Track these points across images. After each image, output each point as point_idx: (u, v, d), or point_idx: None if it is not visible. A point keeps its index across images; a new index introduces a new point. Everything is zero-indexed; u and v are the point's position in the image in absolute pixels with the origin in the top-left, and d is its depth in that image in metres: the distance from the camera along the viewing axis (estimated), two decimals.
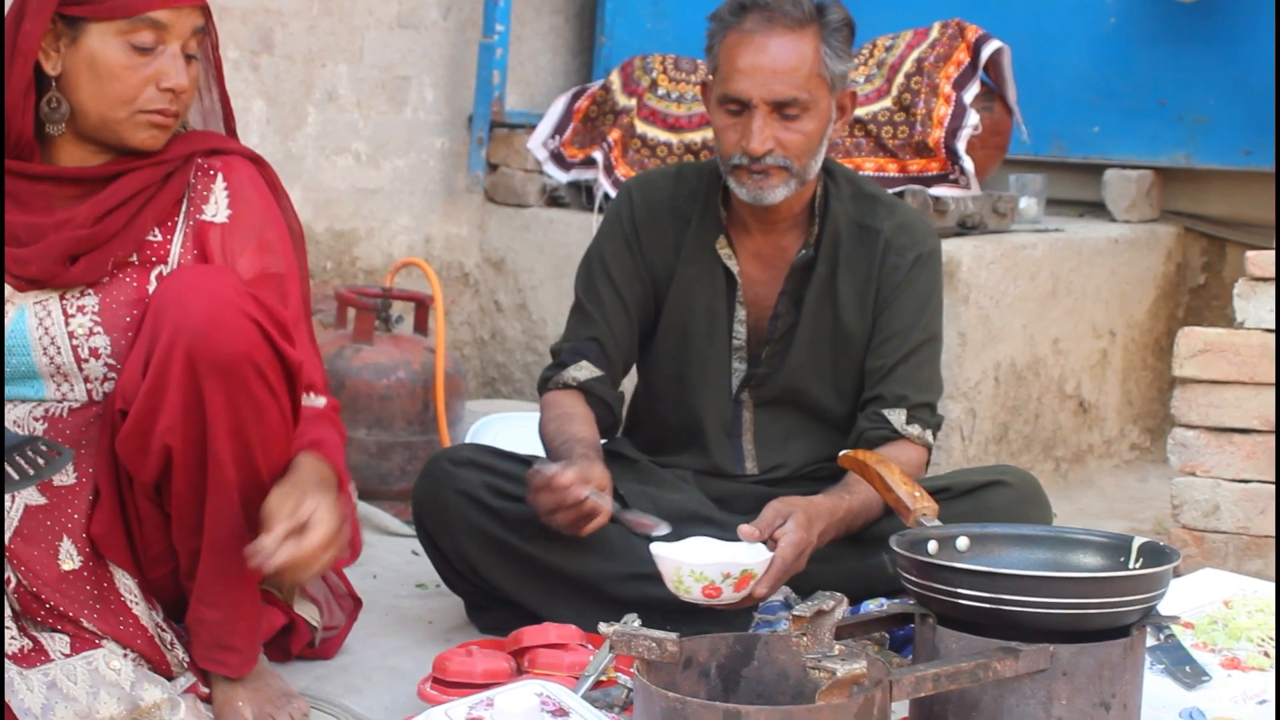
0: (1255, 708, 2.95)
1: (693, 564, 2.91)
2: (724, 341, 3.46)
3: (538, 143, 5.33)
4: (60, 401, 2.88)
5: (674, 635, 2.40)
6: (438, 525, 3.33)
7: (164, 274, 2.87)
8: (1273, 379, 3.98)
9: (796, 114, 3.27)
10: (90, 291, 2.86)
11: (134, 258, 2.88)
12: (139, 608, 2.84)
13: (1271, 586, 3.50)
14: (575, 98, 5.41)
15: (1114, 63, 5.62)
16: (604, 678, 2.84)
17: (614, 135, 5.14)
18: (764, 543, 3.02)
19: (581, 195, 5.28)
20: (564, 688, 2.68)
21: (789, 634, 2.45)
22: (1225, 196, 5.60)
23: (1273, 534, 3.99)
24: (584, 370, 3.43)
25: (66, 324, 2.84)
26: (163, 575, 2.87)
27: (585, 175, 5.23)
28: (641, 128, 5.11)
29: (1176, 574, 3.89)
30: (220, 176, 2.94)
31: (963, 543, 2.76)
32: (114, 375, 2.85)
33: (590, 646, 2.97)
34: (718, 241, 3.44)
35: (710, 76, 3.38)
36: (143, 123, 2.84)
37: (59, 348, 2.84)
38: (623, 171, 5.06)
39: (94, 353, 2.85)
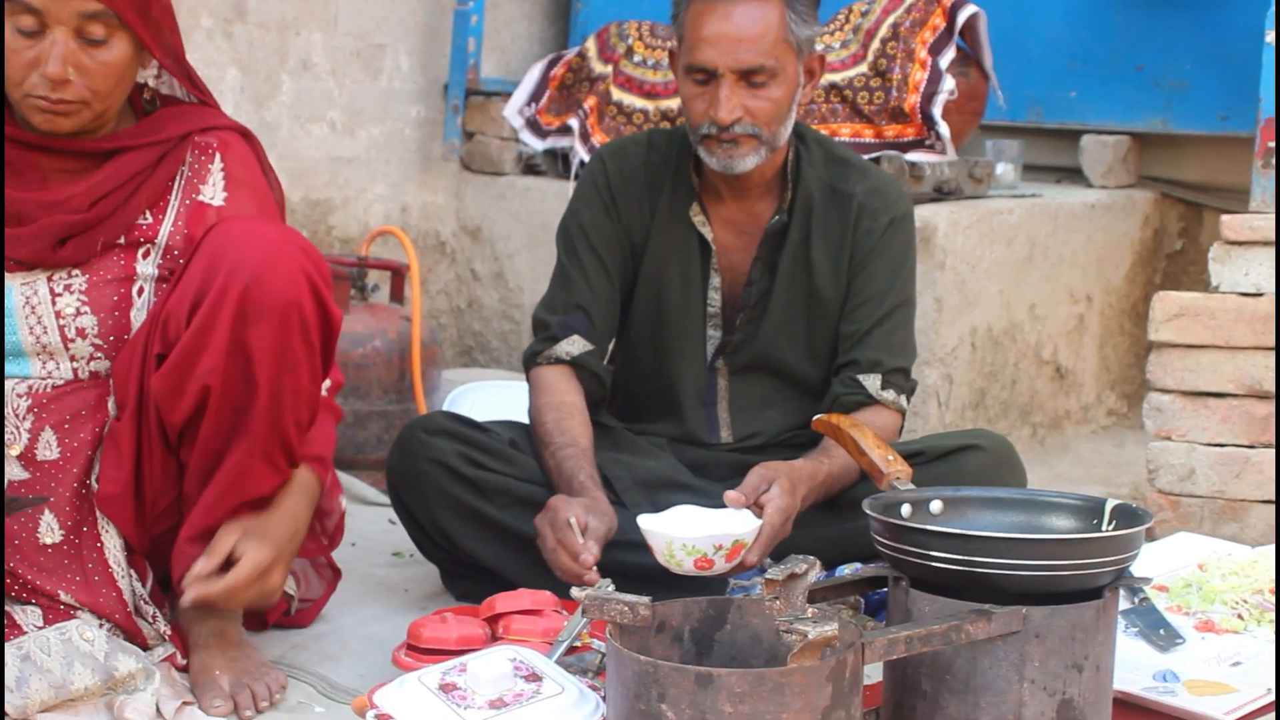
0: (1229, 670, 2.96)
1: (684, 537, 2.90)
2: (699, 309, 3.45)
3: (514, 110, 5.32)
4: (45, 379, 2.87)
5: (646, 599, 2.40)
6: (412, 494, 3.32)
7: (150, 253, 2.86)
8: (1248, 343, 3.99)
9: (764, 81, 3.25)
10: (77, 271, 2.84)
11: (121, 239, 2.87)
12: (124, 580, 2.84)
13: (1246, 549, 3.51)
14: (551, 65, 5.39)
15: (1091, 28, 5.61)
16: (578, 643, 2.84)
17: (590, 102, 5.12)
18: (750, 509, 3.02)
19: (558, 163, 5.26)
20: (537, 653, 2.68)
21: (762, 597, 2.45)
22: (1202, 161, 5.60)
23: (1248, 498, 4.00)
24: (576, 345, 3.40)
25: (54, 303, 2.83)
26: (165, 531, 2.86)
27: (561, 143, 5.22)
28: (618, 94, 5.09)
29: (1151, 537, 3.92)
30: (218, 156, 2.91)
31: (936, 506, 2.76)
32: (100, 355, 2.85)
33: (565, 612, 2.97)
34: (691, 209, 3.43)
35: (676, 45, 3.36)
36: (33, 107, 2.78)
37: (45, 327, 2.83)
38: (599, 139, 5.04)
39: (80, 332, 2.84)
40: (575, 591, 2.45)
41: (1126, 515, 2.67)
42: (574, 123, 5.14)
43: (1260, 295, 3.98)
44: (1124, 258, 5.48)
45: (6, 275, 2.82)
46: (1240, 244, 4.01)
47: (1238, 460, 4.01)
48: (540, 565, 3.18)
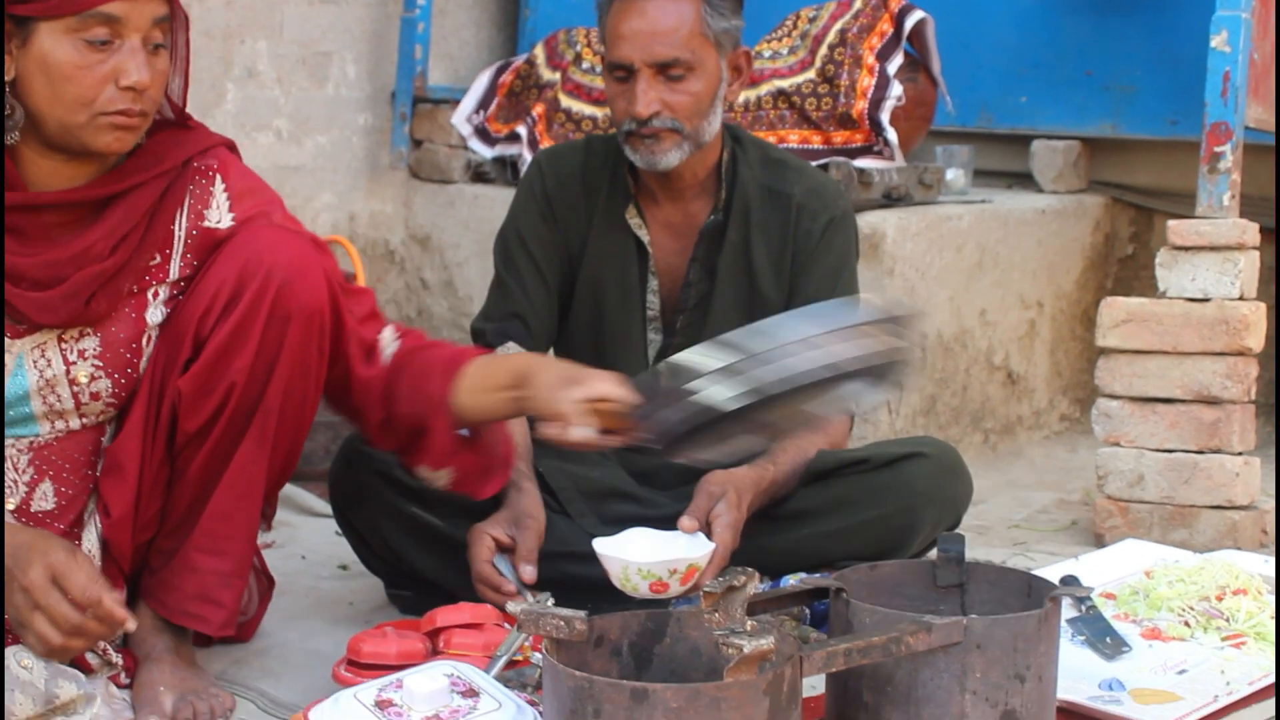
0: (1175, 678, 2.95)
1: (640, 563, 2.89)
2: (638, 312, 3.44)
3: (462, 118, 5.29)
4: (50, 435, 2.82)
5: (582, 614, 2.38)
6: (354, 506, 3.30)
7: (159, 293, 2.81)
8: (1195, 348, 3.99)
9: (681, 74, 3.26)
10: (89, 331, 2.76)
11: (135, 286, 2.80)
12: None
13: (1193, 556, 3.51)
14: (500, 72, 5.37)
15: (1040, 33, 5.61)
16: (518, 657, 2.82)
17: (538, 109, 5.10)
18: (702, 530, 3.02)
19: (507, 170, 5.24)
20: (475, 668, 2.66)
21: (701, 610, 2.43)
22: (1152, 166, 5.61)
23: (1197, 503, 4.01)
24: (511, 351, 3.40)
25: (68, 371, 2.76)
26: (144, 543, 2.85)
27: (510, 150, 5.20)
28: (566, 101, 5.07)
29: (1100, 544, 3.92)
30: (218, 178, 2.84)
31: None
32: (110, 409, 2.81)
33: (507, 626, 2.94)
34: (627, 211, 3.42)
35: (603, 48, 3.37)
36: (104, 125, 2.64)
37: (59, 396, 2.77)
38: (547, 146, 5.02)
39: (95, 396, 2.79)
40: (511, 606, 2.42)
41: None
42: (522, 130, 5.11)
43: (1207, 300, 3.98)
44: (1075, 263, 5.48)
45: (17, 343, 2.73)
46: (1187, 249, 4.01)
47: (1186, 466, 4.01)
48: None
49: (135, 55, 2.62)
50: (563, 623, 2.35)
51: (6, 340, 2.72)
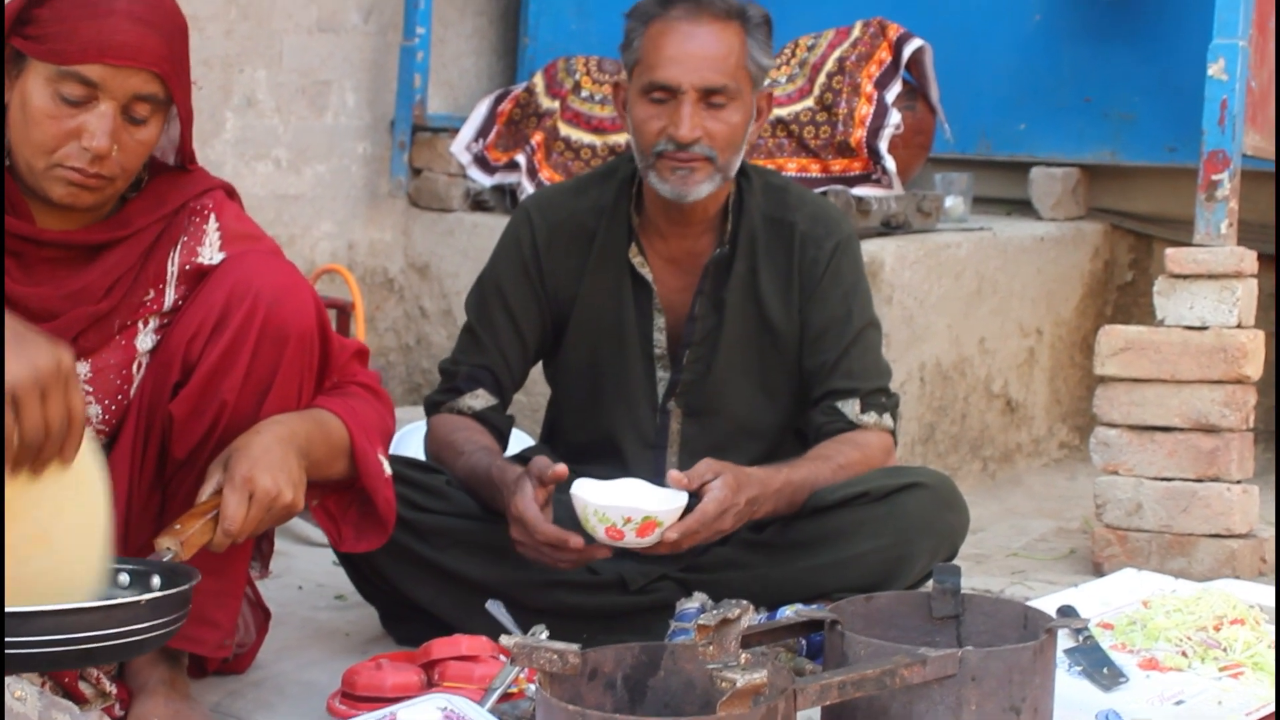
0: (1172, 709, 2.94)
1: (597, 504, 2.96)
2: (641, 350, 3.42)
3: (461, 146, 5.30)
4: None
5: (575, 647, 2.37)
6: None
7: (150, 322, 2.81)
8: (1193, 376, 3.99)
9: (723, 103, 3.24)
10: (82, 359, 2.77)
11: (126, 322, 2.81)
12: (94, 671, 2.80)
13: (1191, 585, 3.49)
14: (499, 100, 5.38)
15: (1039, 60, 5.62)
16: (512, 690, 2.81)
17: (537, 138, 5.11)
18: (693, 494, 3.04)
19: (506, 199, 5.24)
20: (469, 701, 2.66)
21: (695, 643, 2.42)
22: (1151, 193, 5.61)
23: (1195, 532, 4.00)
24: (480, 399, 3.40)
25: None
26: None
27: (509, 179, 5.20)
28: (565, 130, 5.08)
29: (1100, 573, 3.91)
30: (212, 217, 2.86)
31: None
32: (102, 435, 2.80)
33: (502, 658, 2.94)
34: (630, 249, 3.40)
35: (623, 75, 3.35)
36: (59, 178, 2.66)
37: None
38: (546, 175, 5.03)
39: (85, 421, 2.78)
40: (505, 639, 2.42)
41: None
42: (521, 158, 5.12)
43: (1205, 329, 3.98)
44: (1074, 290, 5.48)
45: None
46: (1185, 277, 4.01)
47: (1185, 494, 4.00)
48: (479, 609, 3.15)
49: (104, 121, 2.63)
50: (556, 656, 2.34)
51: None
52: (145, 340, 2.82)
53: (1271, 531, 4.09)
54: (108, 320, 2.77)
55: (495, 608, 3.08)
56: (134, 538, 2.81)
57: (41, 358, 2.39)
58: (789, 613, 3.10)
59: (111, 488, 2.76)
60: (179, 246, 2.83)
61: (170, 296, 2.83)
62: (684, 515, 2.99)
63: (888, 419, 3.37)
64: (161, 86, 2.68)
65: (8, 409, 2.37)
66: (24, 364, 2.37)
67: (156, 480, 2.82)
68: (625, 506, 2.96)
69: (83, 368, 2.77)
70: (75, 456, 2.44)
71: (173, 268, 2.83)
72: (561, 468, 3.07)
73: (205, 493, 2.65)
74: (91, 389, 2.78)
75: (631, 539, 2.95)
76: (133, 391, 2.82)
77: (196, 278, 2.83)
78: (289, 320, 2.75)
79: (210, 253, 2.84)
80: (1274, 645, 3.14)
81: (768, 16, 3.35)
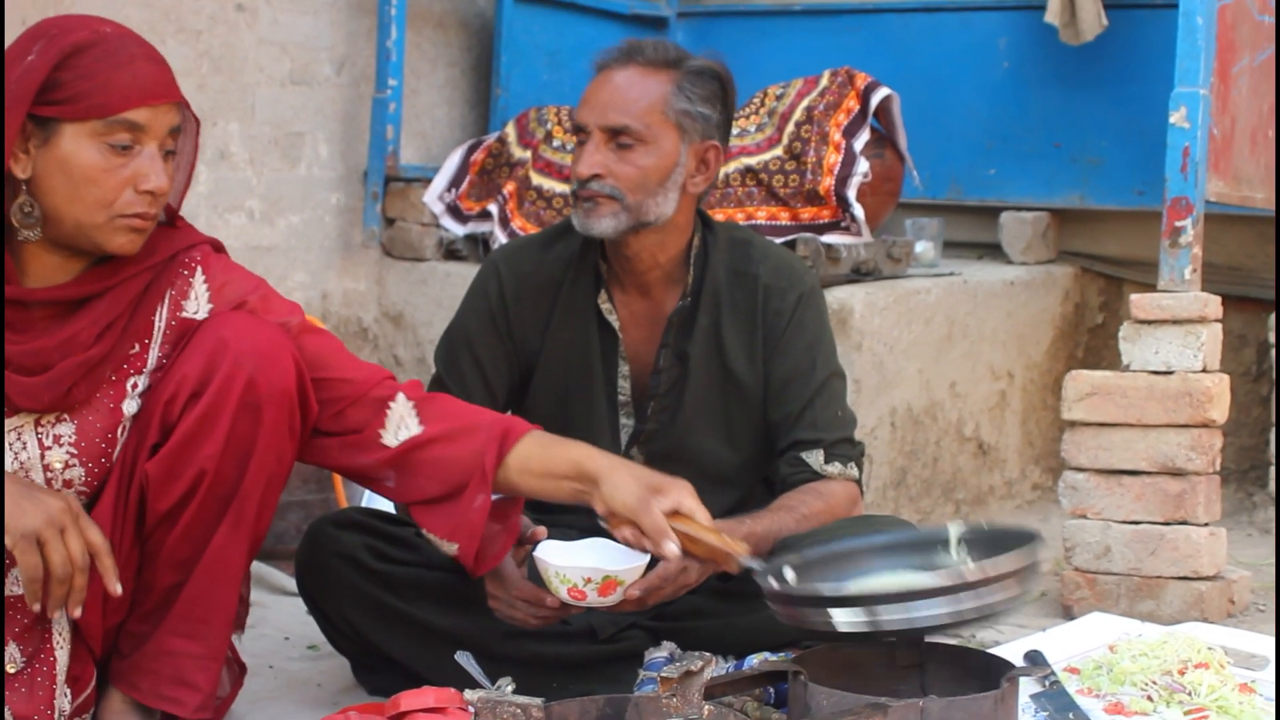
0: None
1: (558, 565, 2.97)
2: (606, 396, 3.45)
3: (434, 196, 5.33)
4: None
5: (539, 701, 2.39)
6: (320, 588, 3.30)
7: (138, 384, 2.83)
8: (1160, 420, 4.02)
9: (630, 143, 3.27)
10: (66, 417, 2.79)
11: (113, 375, 2.83)
12: (61, 698, 2.82)
13: (1157, 629, 3.53)
14: (471, 150, 5.41)
15: (1008, 107, 5.68)
16: None
17: (509, 187, 5.14)
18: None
19: (479, 248, 5.27)
20: None
21: (658, 695, 2.44)
22: (1120, 236, 5.66)
23: (1163, 574, 4.02)
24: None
25: (43, 457, 2.78)
26: (113, 627, 2.86)
27: (482, 228, 5.23)
28: (537, 179, 5.11)
29: (1069, 616, 3.94)
30: (199, 270, 2.88)
31: (789, 574, 2.78)
32: (83, 497, 2.81)
33: (471, 709, 2.94)
34: (599, 297, 3.43)
35: None
36: (121, 227, 2.71)
37: (32, 480, 2.77)
38: (519, 224, 5.06)
39: (67, 484, 2.80)
40: (468, 694, 2.43)
41: (982, 539, 2.74)
42: (494, 208, 5.15)
43: (1170, 373, 4.01)
44: (1045, 333, 5.52)
45: None
46: (1150, 323, 4.04)
47: (1153, 537, 4.03)
48: (448, 660, 3.16)
49: (154, 161, 2.70)
50: (520, 710, 2.37)
51: None
52: (130, 405, 2.83)
53: (1240, 573, 4.11)
54: (99, 369, 2.78)
55: (465, 659, 3.09)
56: (110, 600, 2.83)
57: (51, 501, 2.60)
58: (756, 661, 3.12)
59: None
60: (166, 300, 2.85)
61: (155, 353, 2.85)
62: (647, 571, 3.01)
63: (852, 469, 3.38)
64: (181, 115, 2.76)
65: (30, 553, 2.56)
66: (38, 509, 2.58)
67: (136, 537, 2.83)
68: (585, 567, 2.96)
69: (67, 429, 2.78)
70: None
71: (159, 322, 2.85)
72: (540, 530, 3.09)
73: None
74: (75, 450, 2.79)
75: (594, 598, 2.96)
76: (115, 454, 2.83)
77: (181, 334, 2.85)
78: (268, 386, 2.76)
79: (197, 305, 2.87)
80: (1275, 674, 3.17)
81: (717, 71, 3.36)
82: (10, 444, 2.76)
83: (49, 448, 2.77)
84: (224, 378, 2.74)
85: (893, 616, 2.59)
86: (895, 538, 2.89)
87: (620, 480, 2.85)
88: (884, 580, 2.75)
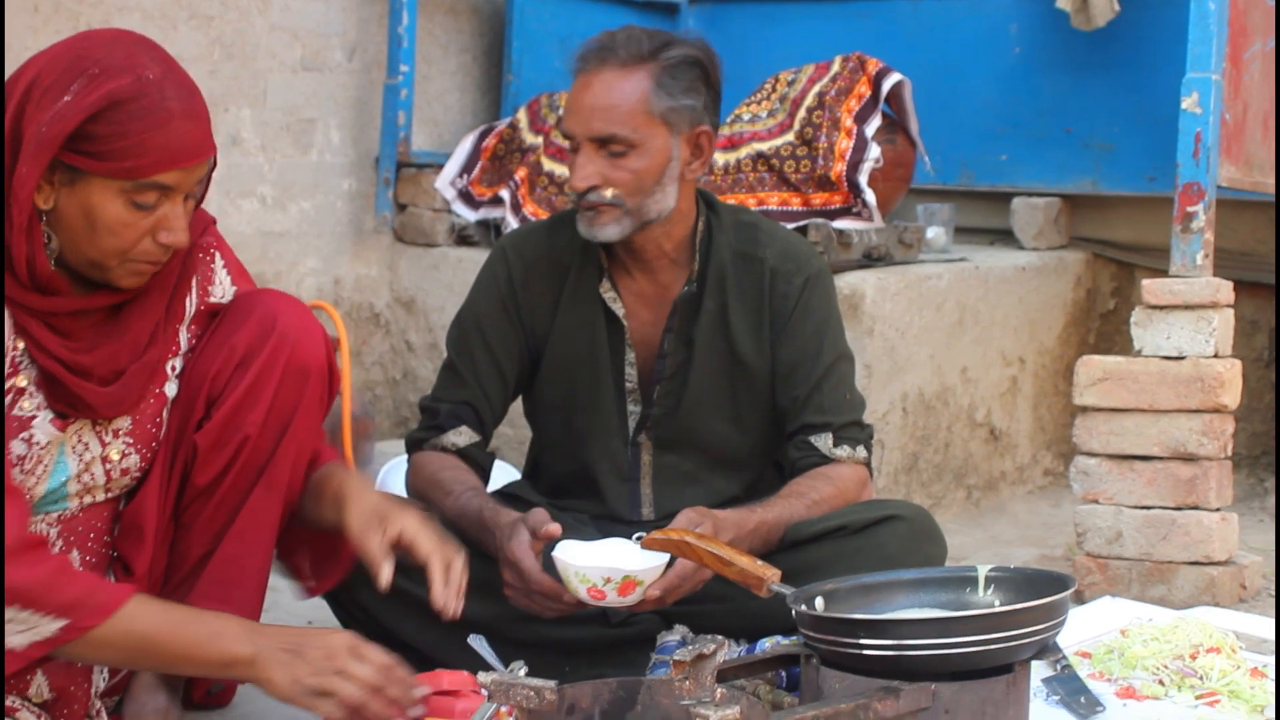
0: None
1: (577, 565, 2.98)
2: (613, 384, 3.45)
3: (445, 182, 5.33)
4: (78, 509, 2.84)
5: (552, 684, 2.39)
6: None
7: (175, 367, 2.86)
8: (1171, 406, 4.02)
9: (622, 151, 3.26)
10: (129, 412, 2.81)
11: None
12: (98, 678, 2.84)
13: (1169, 613, 3.53)
14: (483, 136, 5.41)
15: (1020, 92, 5.67)
16: None
17: (521, 173, 5.14)
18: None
19: (490, 233, 5.28)
20: None
21: (671, 678, 2.45)
22: (1132, 222, 5.65)
23: (1175, 559, 4.03)
24: (463, 436, 3.42)
25: (103, 450, 2.79)
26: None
27: (494, 214, 5.24)
28: (548, 165, 5.11)
29: (1080, 600, 3.94)
30: (217, 255, 2.91)
31: (819, 603, 2.78)
32: (136, 482, 2.86)
33: (483, 693, 2.95)
34: (601, 285, 3.43)
35: None
36: (131, 271, 2.69)
37: (93, 474, 2.79)
38: (530, 209, 5.06)
39: (125, 472, 2.82)
40: (482, 676, 2.44)
41: (1011, 582, 2.72)
42: (505, 193, 5.15)
43: (1182, 359, 4.01)
44: (1056, 319, 5.51)
45: (60, 434, 2.74)
46: (1161, 308, 4.05)
47: (1164, 522, 4.03)
48: (461, 643, 3.17)
49: (179, 217, 2.66)
50: (533, 693, 2.37)
51: (51, 432, 2.73)
52: (171, 388, 2.87)
53: (1251, 558, 4.12)
54: (160, 369, 2.83)
55: (477, 642, 3.10)
56: (155, 565, 2.86)
57: (333, 635, 2.68)
58: (768, 644, 3.13)
59: (141, 522, 2.83)
60: (194, 287, 2.89)
61: (184, 338, 2.88)
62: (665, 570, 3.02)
63: (861, 451, 3.39)
64: (210, 163, 2.73)
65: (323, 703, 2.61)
66: (321, 644, 2.65)
67: (174, 511, 2.88)
68: (605, 567, 2.96)
69: (124, 422, 2.80)
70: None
71: (190, 308, 2.88)
72: (555, 527, 3.09)
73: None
74: (131, 440, 2.82)
75: (614, 598, 2.96)
76: (162, 434, 2.87)
77: (209, 317, 2.89)
78: (309, 357, 2.85)
79: (221, 290, 2.91)
80: (1275, 664, 3.17)
81: (696, 56, 3.31)
82: (74, 447, 2.76)
83: (108, 442, 2.80)
84: (272, 348, 2.82)
85: (921, 646, 2.55)
86: (924, 574, 2.89)
87: (356, 508, 2.86)
88: (912, 614, 2.75)
